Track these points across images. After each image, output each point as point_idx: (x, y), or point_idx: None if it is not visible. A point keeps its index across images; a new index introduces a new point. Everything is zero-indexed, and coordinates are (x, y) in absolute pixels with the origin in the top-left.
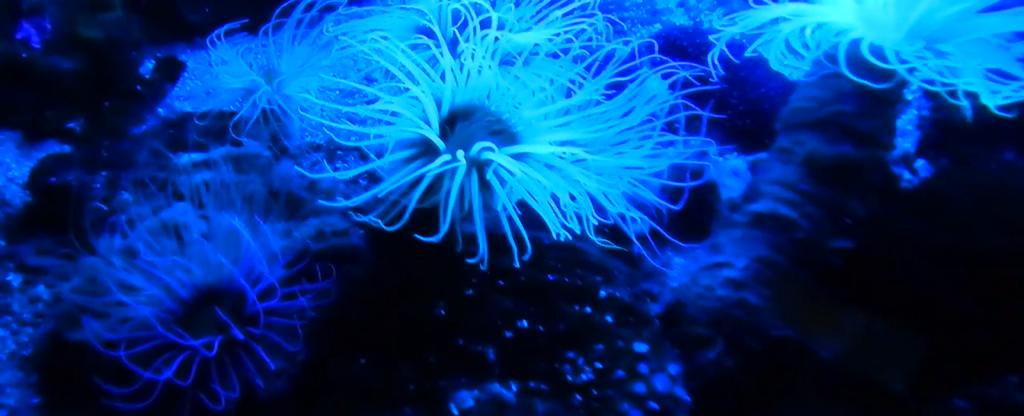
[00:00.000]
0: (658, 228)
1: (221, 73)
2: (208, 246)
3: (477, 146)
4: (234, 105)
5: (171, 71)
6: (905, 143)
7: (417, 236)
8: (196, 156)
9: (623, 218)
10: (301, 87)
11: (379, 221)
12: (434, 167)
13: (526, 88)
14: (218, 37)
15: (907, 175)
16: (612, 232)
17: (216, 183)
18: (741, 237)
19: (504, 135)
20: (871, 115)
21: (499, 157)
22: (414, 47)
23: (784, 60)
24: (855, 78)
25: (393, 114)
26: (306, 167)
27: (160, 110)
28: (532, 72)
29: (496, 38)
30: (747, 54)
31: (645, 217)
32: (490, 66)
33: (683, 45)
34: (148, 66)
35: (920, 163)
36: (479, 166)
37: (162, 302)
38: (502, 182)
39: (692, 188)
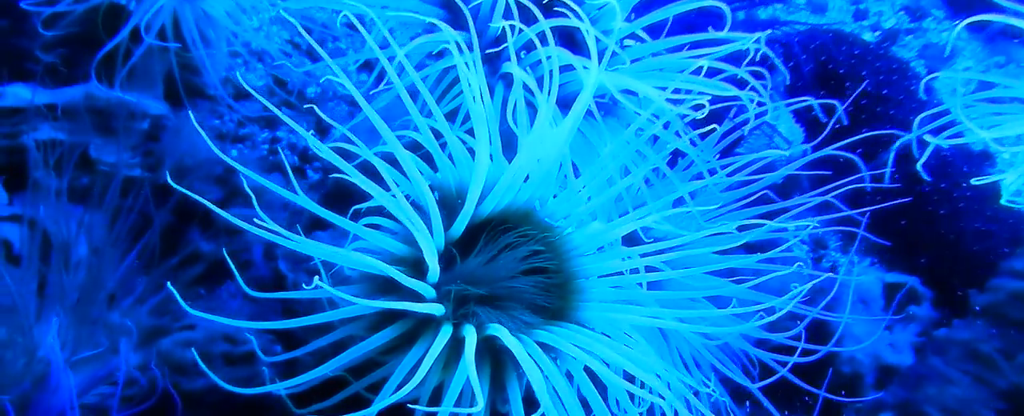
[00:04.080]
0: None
1: None
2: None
3: (495, 328)
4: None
5: None
6: None
7: None
8: (35, 94)
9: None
10: (232, 7)
11: None
12: (423, 367)
13: (608, 187)
14: None
15: None
16: None
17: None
18: None
19: (553, 278)
20: None
21: (526, 361)
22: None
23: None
24: None
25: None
26: (227, 130)
27: None
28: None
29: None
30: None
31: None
32: (561, 144)
33: (839, 72)
34: None
35: None
36: (495, 353)
37: None
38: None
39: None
